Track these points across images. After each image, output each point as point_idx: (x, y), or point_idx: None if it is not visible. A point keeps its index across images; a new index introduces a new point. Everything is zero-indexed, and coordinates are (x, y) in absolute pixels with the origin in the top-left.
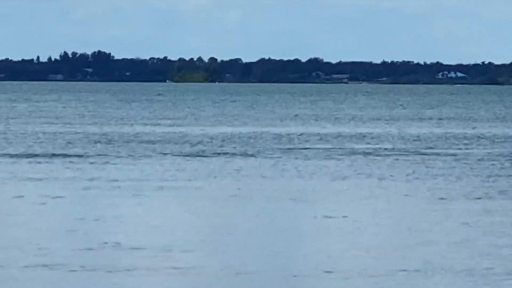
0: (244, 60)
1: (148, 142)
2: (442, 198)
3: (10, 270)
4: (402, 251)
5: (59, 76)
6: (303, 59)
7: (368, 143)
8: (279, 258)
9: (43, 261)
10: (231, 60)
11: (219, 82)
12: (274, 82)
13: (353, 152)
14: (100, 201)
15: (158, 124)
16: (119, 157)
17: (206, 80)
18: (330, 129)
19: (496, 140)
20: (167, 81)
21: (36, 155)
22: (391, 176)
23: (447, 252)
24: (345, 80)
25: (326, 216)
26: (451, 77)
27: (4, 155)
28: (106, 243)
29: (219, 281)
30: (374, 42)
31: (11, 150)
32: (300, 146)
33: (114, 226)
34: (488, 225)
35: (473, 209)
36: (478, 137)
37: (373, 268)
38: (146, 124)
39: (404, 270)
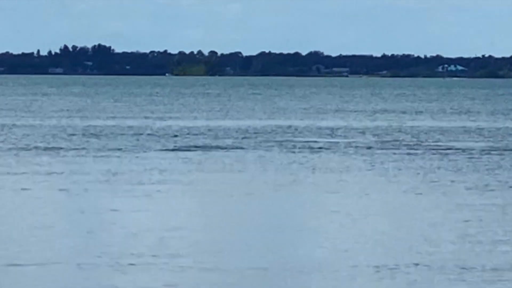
0: (244, 54)
1: (149, 135)
2: (445, 192)
3: (11, 266)
4: (405, 247)
5: (59, 70)
6: (303, 53)
7: (371, 136)
8: (283, 253)
9: (47, 256)
10: (231, 54)
11: (219, 75)
12: (274, 75)
13: (356, 145)
14: (102, 195)
15: (159, 118)
16: (118, 149)
17: (206, 73)
18: (333, 122)
19: (498, 133)
20: (167, 74)
21: (37, 149)
22: (394, 169)
23: (450, 248)
24: (345, 74)
25: (329, 210)
26: (451, 70)
27: (5, 148)
28: (107, 237)
29: (222, 278)
30: (374, 35)
31: (11, 144)
32: (303, 139)
33: (115, 221)
34: (491, 219)
35: (475, 203)
36: (480, 130)
37: (376, 263)
38: (146, 118)
39: (408, 266)
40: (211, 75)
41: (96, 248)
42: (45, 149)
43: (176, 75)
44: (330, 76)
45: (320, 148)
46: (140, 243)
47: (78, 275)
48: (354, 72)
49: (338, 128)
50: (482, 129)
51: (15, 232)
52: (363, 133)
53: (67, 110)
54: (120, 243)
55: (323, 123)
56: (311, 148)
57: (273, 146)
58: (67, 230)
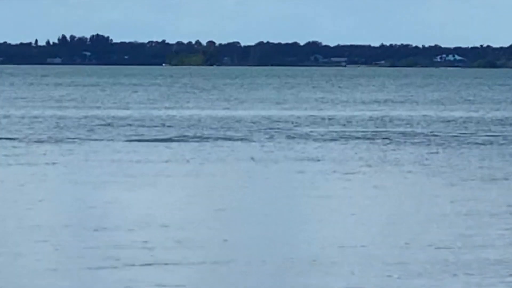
0: (243, 44)
1: (151, 126)
2: (446, 183)
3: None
4: (416, 242)
5: (57, 60)
6: (301, 42)
7: (372, 126)
8: (283, 245)
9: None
10: (229, 44)
11: (217, 65)
12: (272, 65)
13: (357, 135)
14: (102, 186)
15: (159, 108)
16: (120, 140)
17: (205, 63)
18: (332, 112)
19: (501, 123)
20: (164, 64)
21: (40, 138)
22: (395, 159)
23: (451, 240)
24: (343, 64)
25: (328, 200)
26: (449, 60)
27: (5, 139)
28: (105, 228)
29: (227, 271)
30: (373, 25)
31: (9, 134)
32: (303, 130)
33: (114, 213)
34: (494, 212)
35: (476, 195)
36: (484, 120)
37: (373, 260)
38: (146, 108)
39: (420, 262)
40: (209, 65)
41: (94, 240)
42: (48, 138)
43: (175, 65)
44: (328, 66)
45: (320, 137)
46: (142, 234)
47: (82, 272)
48: (352, 62)
49: (339, 117)
50: (485, 119)
51: (13, 227)
52: (365, 122)
53: (68, 100)
54: (120, 235)
55: (324, 113)
56: (311, 138)
57: (274, 135)
58: (66, 222)
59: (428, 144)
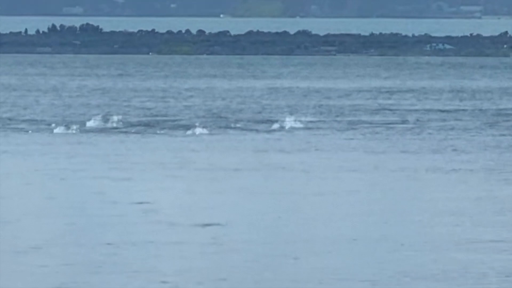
0: (232, 33)
1: (152, 116)
2: (438, 169)
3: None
4: (414, 243)
5: (47, 49)
6: (291, 32)
7: (366, 116)
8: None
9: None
10: (219, 33)
11: (207, 54)
12: (262, 54)
13: (352, 124)
14: (94, 178)
15: (154, 96)
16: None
17: (194, 52)
18: (328, 101)
19: (495, 112)
20: (150, 53)
21: (44, 127)
22: (390, 149)
23: (448, 227)
24: (333, 52)
25: (324, 192)
26: (439, 49)
27: (6, 128)
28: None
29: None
30: (362, 14)
31: (12, 124)
32: (300, 118)
33: (108, 205)
34: (489, 200)
35: (470, 183)
36: (478, 109)
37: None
38: (142, 97)
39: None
40: (199, 54)
41: (89, 233)
42: (52, 127)
43: (165, 54)
44: (318, 55)
45: (315, 127)
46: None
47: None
48: (342, 51)
49: (335, 107)
50: (478, 107)
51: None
52: (358, 112)
53: (65, 89)
54: (117, 230)
55: (321, 102)
56: (307, 127)
57: (273, 125)
58: (65, 215)
59: (427, 134)
